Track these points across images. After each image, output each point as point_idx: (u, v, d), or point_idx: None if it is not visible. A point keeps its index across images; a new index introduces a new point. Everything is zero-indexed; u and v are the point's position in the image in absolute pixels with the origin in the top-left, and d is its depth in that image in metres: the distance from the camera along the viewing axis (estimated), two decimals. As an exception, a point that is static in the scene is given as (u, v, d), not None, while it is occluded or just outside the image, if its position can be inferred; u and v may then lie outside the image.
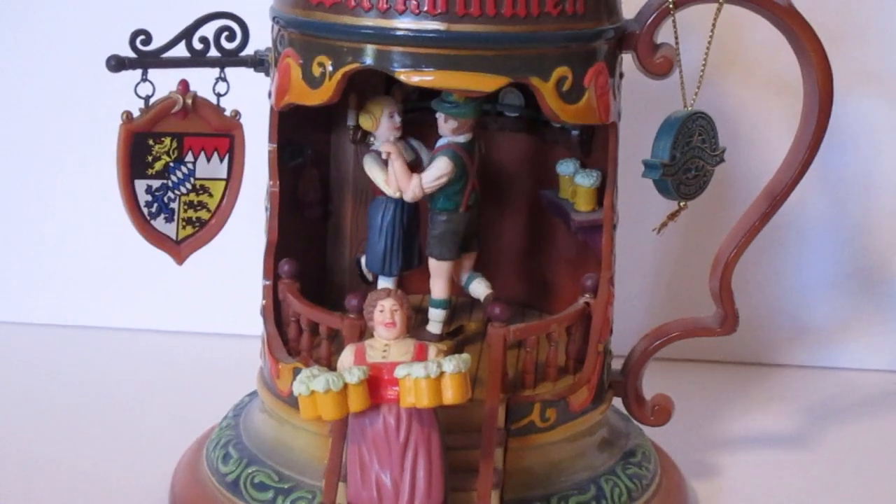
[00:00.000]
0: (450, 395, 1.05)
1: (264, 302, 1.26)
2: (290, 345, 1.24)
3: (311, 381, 1.06)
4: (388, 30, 1.11)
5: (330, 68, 1.14)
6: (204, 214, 1.26)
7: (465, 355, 1.07)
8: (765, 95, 1.59)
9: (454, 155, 1.23)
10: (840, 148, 1.61)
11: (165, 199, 1.25)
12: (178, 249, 1.26)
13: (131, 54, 1.21)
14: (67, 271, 1.71)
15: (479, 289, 1.29)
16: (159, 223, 1.25)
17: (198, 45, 1.23)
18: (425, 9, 1.10)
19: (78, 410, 1.48)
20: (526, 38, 1.12)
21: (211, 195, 1.26)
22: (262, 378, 1.27)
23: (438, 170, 1.22)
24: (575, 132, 1.29)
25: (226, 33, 1.24)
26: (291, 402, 1.21)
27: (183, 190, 1.25)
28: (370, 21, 1.12)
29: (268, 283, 1.26)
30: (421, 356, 1.09)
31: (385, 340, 1.10)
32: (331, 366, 1.20)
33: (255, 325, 1.53)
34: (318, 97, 1.15)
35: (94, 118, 1.61)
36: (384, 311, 1.10)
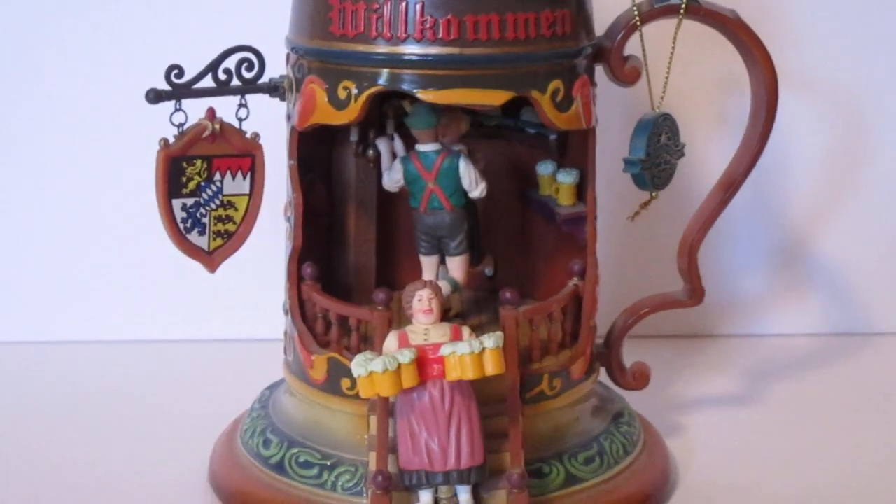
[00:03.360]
0: (490, 367, 1.22)
1: (290, 302, 1.41)
2: (318, 339, 1.39)
3: (369, 364, 1.21)
4: (407, 56, 1.28)
5: (355, 91, 1.30)
6: (231, 227, 1.41)
7: (498, 333, 1.24)
8: (716, 96, 1.78)
9: (405, 160, 1.40)
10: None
11: (198, 215, 1.39)
12: (211, 259, 1.40)
13: (166, 87, 1.35)
14: (64, 288, 1.84)
15: (444, 286, 1.45)
16: (193, 237, 1.39)
17: (222, 76, 1.37)
18: (440, 36, 1.27)
19: (96, 420, 1.61)
20: (527, 57, 1.30)
21: (236, 209, 1.40)
22: (291, 370, 1.42)
23: (392, 171, 1.41)
24: (553, 136, 1.46)
25: (245, 64, 1.38)
26: (326, 388, 1.37)
27: (213, 206, 1.39)
28: (390, 49, 1.28)
29: (293, 285, 1.40)
30: (457, 336, 1.26)
31: (424, 325, 1.26)
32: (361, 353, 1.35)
33: (255, 329, 1.69)
34: (344, 117, 1.31)
35: (119, 147, 1.77)
36: (422, 300, 1.26)
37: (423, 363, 1.24)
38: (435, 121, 1.39)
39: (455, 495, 1.26)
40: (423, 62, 1.27)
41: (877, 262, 1.87)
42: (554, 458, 1.35)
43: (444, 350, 1.22)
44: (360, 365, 1.21)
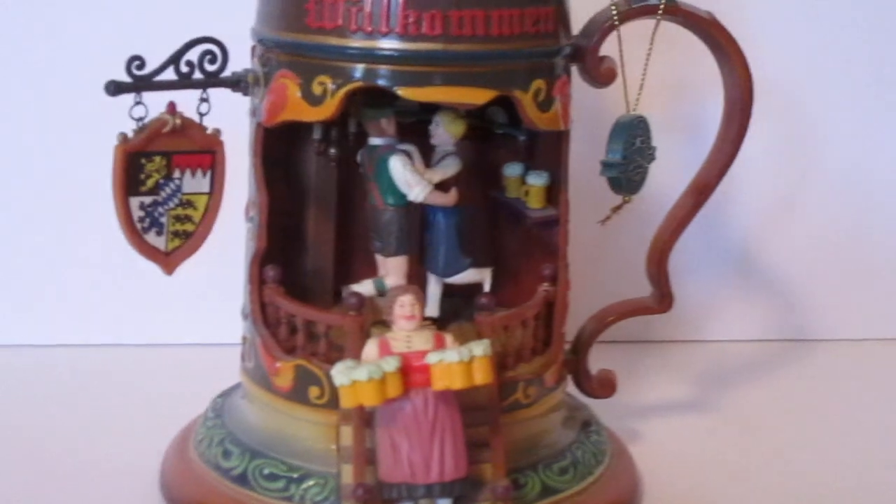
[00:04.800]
0: (479, 376, 1.17)
1: (252, 306, 1.35)
2: (281, 344, 1.33)
3: (352, 372, 1.16)
4: (388, 51, 1.22)
5: (332, 87, 1.24)
6: (189, 227, 1.34)
7: (486, 340, 1.19)
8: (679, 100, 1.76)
9: (360, 153, 1.37)
10: (702, 140, 1.78)
11: (156, 214, 1.32)
12: (168, 260, 1.34)
13: (126, 78, 1.28)
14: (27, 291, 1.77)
15: (368, 286, 1.40)
16: (151, 237, 1.32)
17: (184, 69, 1.31)
18: (424, 31, 1.22)
19: (41, 425, 1.54)
20: (511, 54, 1.26)
21: (195, 208, 1.34)
22: (252, 377, 1.36)
23: None
24: (522, 138, 1.42)
25: (208, 56, 1.32)
26: (291, 396, 1.31)
27: (171, 205, 1.33)
28: (370, 43, 1.23)
29: (255, 288, 1.34)
30: (441, 344, 1.21)
31: (406, 332, 1.21)
32: (329, 361, 1.30)
33: (204, 334, 1.62)
34: (319, 114, 1.25)
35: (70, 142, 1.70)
36: (404, 306, 1.21)
37: (407, 371, 1.19)
38: (382, 115, 1.35)
39: (437, 508, 1.21)
40: (404, 58, 1.23)
41: (823, 269, 1.88)
42: (529, 469, 1.32)
43: (431, 358, 1.17)
44: (343, 373, 1.16)
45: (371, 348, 1.21)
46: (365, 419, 1.23)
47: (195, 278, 1.60)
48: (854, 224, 1.90)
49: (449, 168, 1.37)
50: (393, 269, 1.39)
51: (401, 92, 1.23)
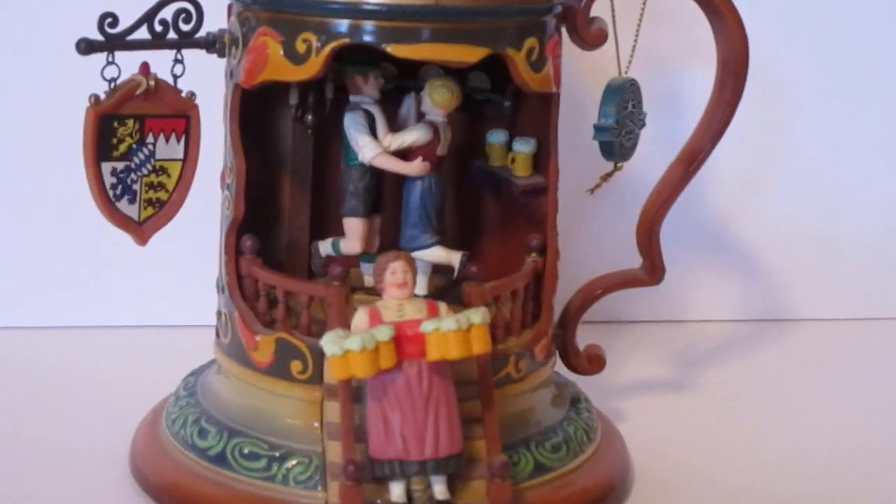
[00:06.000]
0: (477, 345, 1.12)
1: (227, 279, 1.28)
2: (259, 318, 1.27)
3: (343, 342, 1.10)
4: (377, 5, 1.17)
5: (317, 44, 1.18)
6: (163, 195, 1.28)
7: (483, 308, 1.14)
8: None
9: None
10: (674, 116, 1.74)
11: (129, 181, 1.26)
12: (141, 230, 1.27)
13: (98, 37, 1.21)
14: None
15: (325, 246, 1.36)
16: (123, 205, 1.26)
17: (158, 28, 1.24)
18: (413, -17, 1.16)
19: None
20: (503, 11, 1.20)
21: (169, 175, 1.28)
22: (227, 353, 1.30)
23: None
24: (507, 103, 1.36)
25: (183, 15, 1.25)
26: (271, 371, 1.25)
27: (144, 171, 1.26)
28: (357, -2, 1.17)
29: (230, 259, 1.28)
30: (434, 313, 1.15)
31: (398, 300, 1.15)
32: (311, 334, 1.24)
33: (169, 315, 1.56)
34: (302, 73, 1.19)
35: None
36: (396, 273, 1.15)
37: (399, 342, 1.13)
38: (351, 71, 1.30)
39: (429, 486, 1.15)
40: (393, 13, 1.17)
41: (797, 249, 1.85)
42: (521, 446, 1.26)
43: (426, 326, 1.11)
44: (334, 343, 1.10)
45: (361, 318, 1.15)
46: (351, 392, 1.17)
47: (164, 259, 1.56)
48: (828, 203, 1.86)
49: (409, 135, 1.30)
50: (347, 230, 1.33)
51: (389, 49, 1.17)
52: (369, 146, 1.28)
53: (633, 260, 1.43)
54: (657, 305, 1.82)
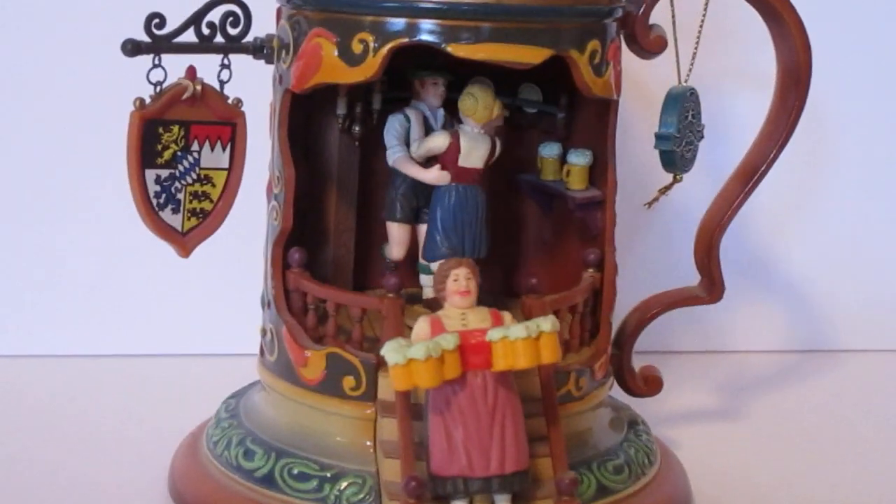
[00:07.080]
0: (546, 354, 1.06)
1: (274, 293, 1.23)
2: (308, 333, 1.22)
3: (407, 350, 1.04)
4: (435, 2, 1.12)
5: (374, 44, 1.14)
6: (207, 205, 1.23)
7: (552, 316, 1.08)
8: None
9: None
10: (716, 139, 1.69)
11: (173, 190, 1.21)
12: (184, 241, 1.22)
13: (145, 38, 1.17)
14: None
15: None
16: (167, 214, 1.21)
17: (205, 31, 1.20)
18: (473, -19, 1.12)
19: (46, 436, 1.43)
20: (566, 11, 1.16)
21: (213, 185, 1.23)
22: (272, 371, 1.24)
23: None
24: (561, 115, 1.32)
25: (231, 18, 1.21)
26: (321, 388, 1.20)
27: (189, 180, 1.22)
28: (415, -5, 1.12)
29: (277, 272, 1.23)
30: (498, 322, 1.10)
31: (461, 309, 1.10)
32: (363, 349, 1.19)
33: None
34: (359, 74, 1.15)
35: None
36: (458, 280, 1.10)
37: (463, 352, 1.07)
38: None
39: (492, 505, 1.09)
40: (453, 10, 1.13)
41: (840, 279, 1.80)
42: (582, 466, 1.20)
43: (493, 334, 1.06)
44: (397, 351, 1.05)
45: (422, 327, 1.10)
46: (409, 407, 1.11)
47: (197, 286, 1.51)
48: (874, 231, 1.81)
49: (426, 142, 1.25)
50: (388, 234, 1.29)
51: (450, 49, 1.13)
52: (393, 149, 1.25)
53: (674, 279, 1.39)
54: (698, 335, 1.77)
